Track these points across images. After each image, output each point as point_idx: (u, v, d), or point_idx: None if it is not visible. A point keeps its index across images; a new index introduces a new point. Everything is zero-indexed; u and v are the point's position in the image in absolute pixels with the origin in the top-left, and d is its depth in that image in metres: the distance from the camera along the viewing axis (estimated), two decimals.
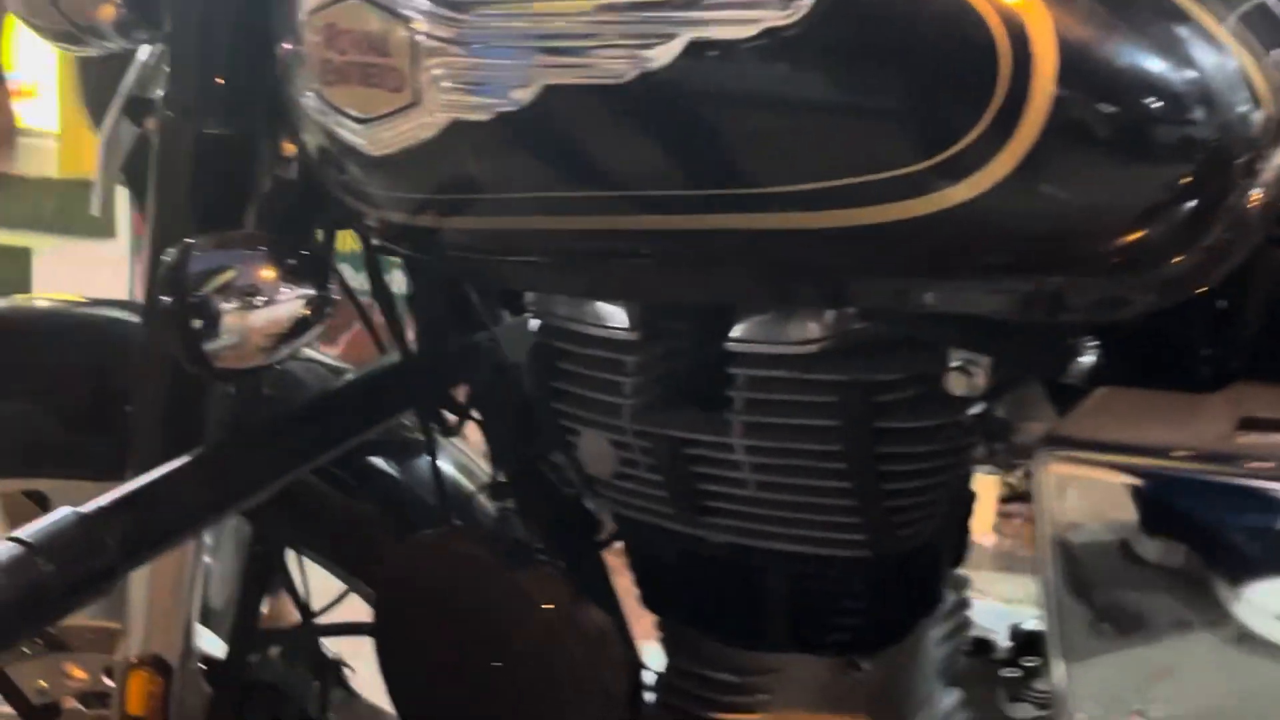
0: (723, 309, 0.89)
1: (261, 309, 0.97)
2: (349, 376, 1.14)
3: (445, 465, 1.33)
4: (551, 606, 0.91)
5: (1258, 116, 0.67)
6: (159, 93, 1.07)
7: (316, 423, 1.09)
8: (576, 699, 0.90)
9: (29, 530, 0.92)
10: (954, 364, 0.82)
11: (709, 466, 0.91)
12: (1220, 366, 0.74)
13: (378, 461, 1.33)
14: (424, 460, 1.35)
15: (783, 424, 0.87)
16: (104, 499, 0.95)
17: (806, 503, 0.88)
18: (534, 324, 1.01)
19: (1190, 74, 0.66)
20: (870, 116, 0.71)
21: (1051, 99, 0.66)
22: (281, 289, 0.97)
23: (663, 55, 0.72)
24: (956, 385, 0.82)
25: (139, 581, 1.25)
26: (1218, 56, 0.66)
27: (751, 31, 0.70)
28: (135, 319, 1.32)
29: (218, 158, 1.05)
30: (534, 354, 0.99)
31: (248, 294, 0.96)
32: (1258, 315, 0.74)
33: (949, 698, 1.02)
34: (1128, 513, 0.68)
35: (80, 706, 1.40)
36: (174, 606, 1.26)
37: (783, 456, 0.88)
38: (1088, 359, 0.77)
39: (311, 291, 0.98)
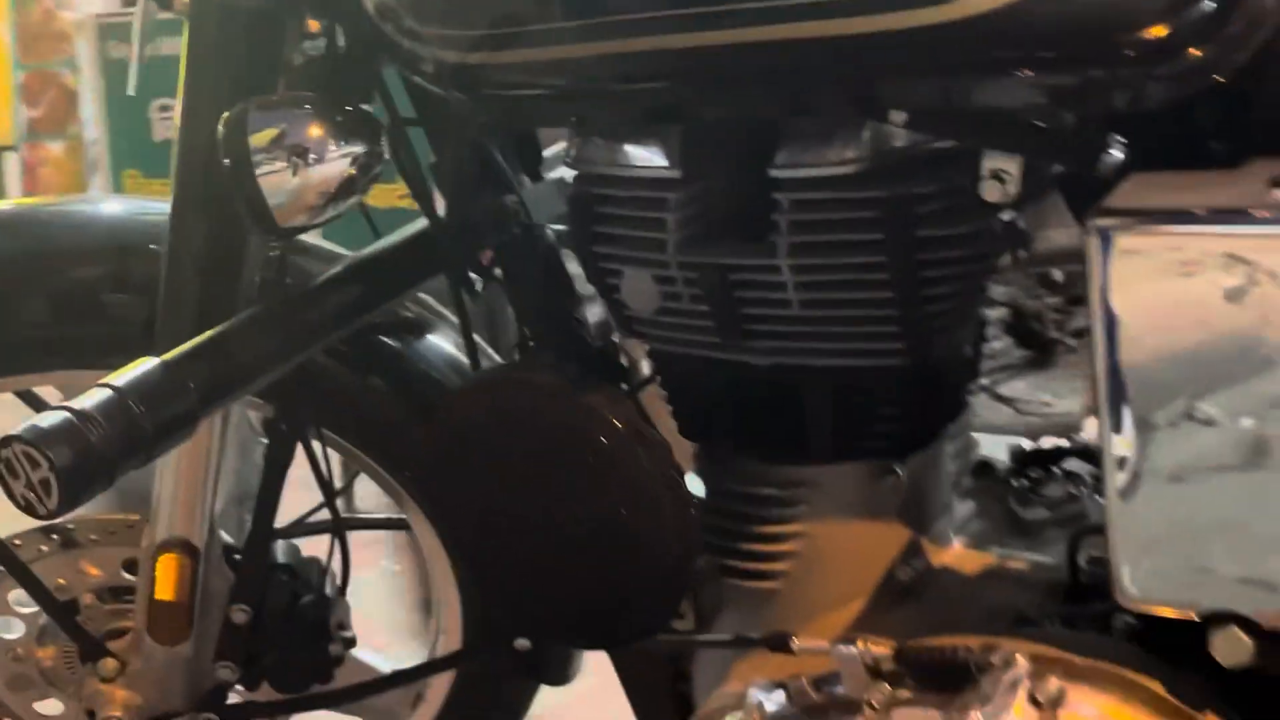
0: (761, 139, 0.96)
1: (316, 166, 1.02)
2: (381, 243, 1.18)
3: (446, 343, 1.39)
4: (623, 421, 0.97)
5: None
6: None
7: (359, 282, 1.15)
8: (651, 503, 0.97)
9: (117, 378, 0.97)
10: (987, 173, 0.89)
11: (754, 290, 0.98)
12: (1238, 144, 0.82)
13: (385, 340, 1.39)
14: (427, 339, 1.41)
15: (827, 242, 0.94)
16: (182, 349, 1.00)
17: (850, 315, 0.96)
18: (567, 176, 1.07)
19: None
20: None
21: None
22: (332, 147, 1.02)
23: None
24: (990, 192, 0.89)
25: (166, 468, 1.29)
26: None
27: None
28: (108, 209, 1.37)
29: (248, 32, 1.10)
30: (572, 203, 1.05)
31: (303, 152, 1.01)
32: (1272, 96, 0.83)
33: (965, 507, 1.10)
34: (1180, 278, 0.76)
35: (98, 601, 1.43)
36: (199, 492, 1.31)
37: (827, 273, 0.95)
38: (1115, 152, 0.85)
39: (360, 149, 1.03)
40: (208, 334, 1.04)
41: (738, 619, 1.07)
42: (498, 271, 1.18)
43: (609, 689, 1.28)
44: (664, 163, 0.99)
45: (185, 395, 0.99)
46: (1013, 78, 0.81)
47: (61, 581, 1.43)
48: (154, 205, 1.41)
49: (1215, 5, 0.77)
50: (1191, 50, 0.79)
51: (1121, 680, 0.88)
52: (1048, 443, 1.13)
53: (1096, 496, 1.09)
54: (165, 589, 1.36)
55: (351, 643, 1.47)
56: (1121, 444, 0.81)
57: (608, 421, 0.97)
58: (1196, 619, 0.83)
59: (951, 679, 0.91)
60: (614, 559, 1.00)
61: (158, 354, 1.04)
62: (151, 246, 1.31)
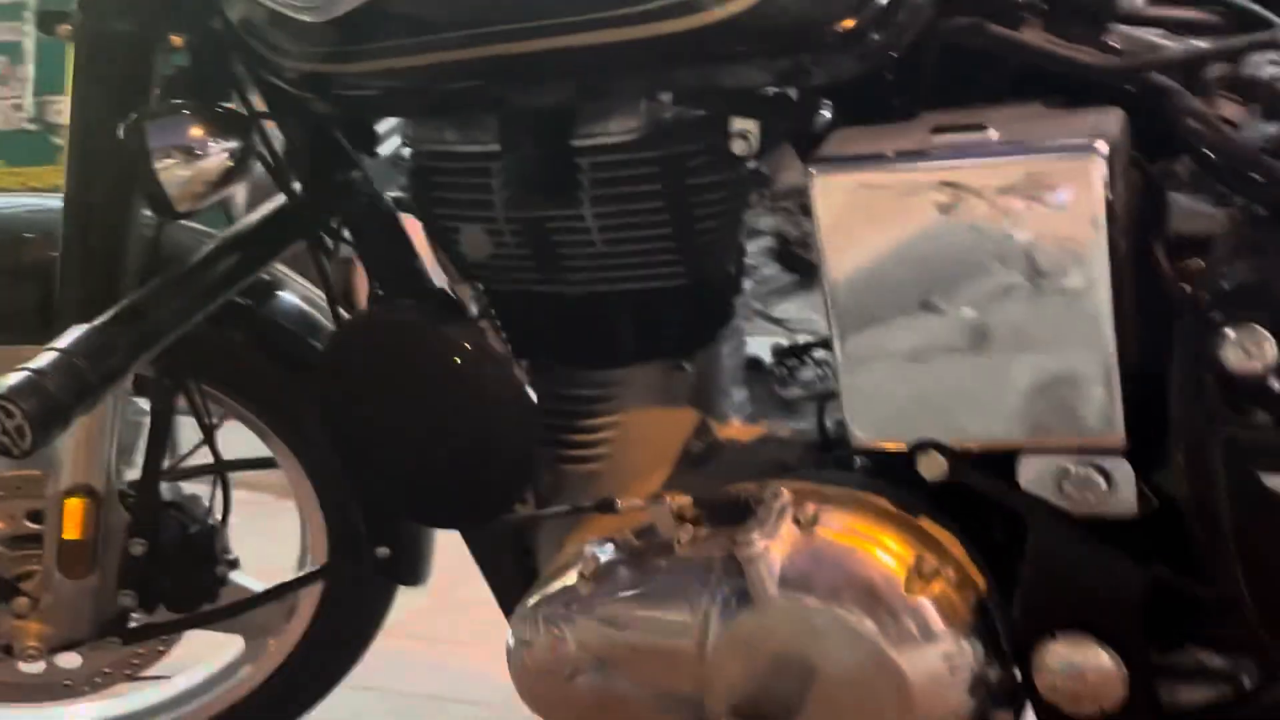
0: (562, 117, 1.24)
1: (201, 160, 1.27)
2: (247, 221, 1.43)
3: (298, 300, 1.64)
4: (471, 342, 1.25)
5: None
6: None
7: (238, 252, 1.40)
8: (499, 406, 1.25)
9: (60, 342, 1.21)
10: (734, 132, 1.19)
11: (566, 235, 1.26)
12: (912, 102, 1.14)
13: (245, 301, 1.62)
14: (280, 298, 1.65)
15: (619, 193, 1.23)
16: (108, 315, 1.24)
17: (640, 249, 1.25)
18: (405, 154, 1.33)
19: None
20: None
21: None
22: (212, 144, 1.27)
23: None
24: (738, 147, 1.19)
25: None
26: None
27: None
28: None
29: (124, 50, 1.34)
30: (413, 176, 1.31)
31: (189, 150, 1.26)
32: (931, 65, 1.14)
33: (740, 393, 1.41)
34: (872, 206, 1.07)
35: (6, 550, 1.64)
36: (99, 442, 1.53)
37: (621, 218, 1.24)
38: (825, 113, 1.16)
39: (235, 144, 1.28)
40: (125, 302, 1.28)
41: (571, 497, 1.36)
42: (347, 235, 1.44)
43: None
44: (485, 139, 1.26)
45: (116, 351, 1.23)
46: (748, 62, 1.11)
47: None
48: (27, 201, 1.62)
49: (886, 1, 1.08)
50: (872, 35, 1.10)
51: (860, 501, 1.19)
52: (801, 339, 1.44)
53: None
54: (72, 529, 1.57)
55: (235, 564, 1.71)
56: (843, 330, 1.12)
57: (459, 344, 1.25)
58: (906, 450, 1.14)
59: (737, 515, 1.21)
60: (473, 454, 1.27)
61: (60, 323, 1.28)
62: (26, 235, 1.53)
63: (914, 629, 1.14)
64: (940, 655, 1.14)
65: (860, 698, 1.16)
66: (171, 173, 1.25)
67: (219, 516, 1.66)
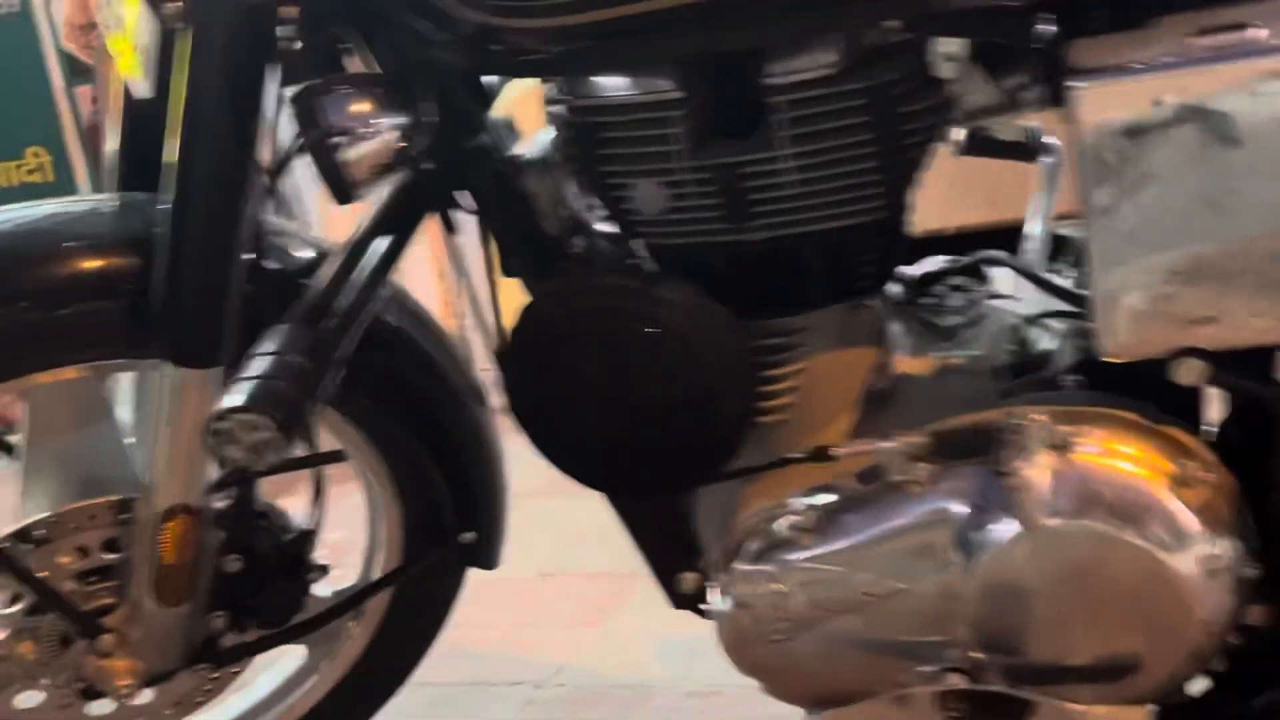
0: (752, 56, 1.19)
1: (377, 136, 1.17)
2: (377, 199, 1.34)
3: None
4: (689, 300, 1.19)
5: None
6: None
7: (378, 235, 1.30)
8: (721, 363, 1.20)
9: (263, 345, 1.11)
10: (939, 56, 1.16)
11: (756, 180, 1.21)
12: (1153, 8, 1.13)
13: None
14: None
15: (820, 130, 1.18)
16: (293, 313, 1.15)
17: (839, 186, 1.21)
18: (557, 111, 1.26)
19: None
20: None
21: None
22: (385, 119, 1.18)
23: None
24: (944, 71, 1.16)
25: (161, 442, 1.40)
26: None
27: None
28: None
29: (249, 24, 1.22)
30: (576, 132, 1.24)
31: (367, 126, 1.17)
32: None
33: (894, 326, 1.38)
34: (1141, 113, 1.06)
35: (80, 586, 1.51)
36: (195, 458, 1.42)
37: (822, 155, 1.19)
38: (1047, 27, 1.14)
39: (407, 119, 1.19)
40: (305, 298, 1.18)
41: (753, 451, 1.31)
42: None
43: None
44: (664, 87, 1.19)
45: (325, 344, 1.14)
46: None
47: (44, 575, 1.49)
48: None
49: None
50: None
51: (1106, 417, 1.19)
52: (932, 266, 1.42)
53: (989, 299, 1.39)
54: (171, 552, 1.46)
55: (325, 570, 1.61)
56: (1103, 245, 1.11)
57: (676, 303, 1.19)
58: (1164, 357, 1.14)
59: (976, 446, 1.19)
60: (697, 415, 1.22)
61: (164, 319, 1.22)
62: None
63: (1187, 535, 1.14)
64: (1211, 557, 1.15)
65: (1138, 612, 1.16)
66: (348, 152, 1.15)
67: (312, 519, 1.56)
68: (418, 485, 1.64)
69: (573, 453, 1.28)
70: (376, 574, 1.69)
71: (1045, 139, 1.42)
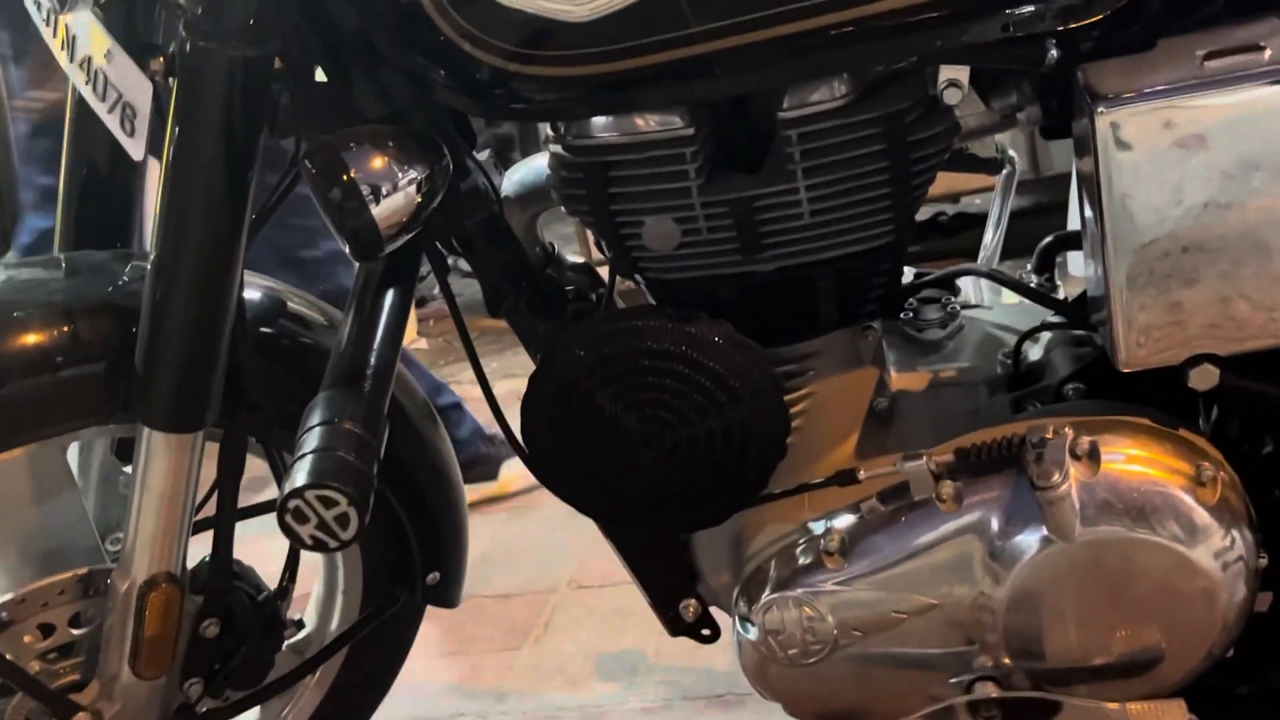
0: (763, 92, 1.19)
1: (403, 189, 1.15)
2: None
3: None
4: (723, 335, 1.19)
5: None
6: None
7: (385, 286, 1.27)
8: (756, 398, 1.21)
9: (314, 416, 1.08)
10: (944, 82, 1.19)
11: (770, 212, 1.22)
12: (1155, 32, 1.17)
13: (285, 328, 1.46)
14: (321, 329, 1.50)
15: (835, 160, 1.20)
16: (330, 376, 1.12)
17: (854, 214, 1.22)
18: (557, 151, 1.25)
19: None
20: None
21: None
22: (412, 172, 1.15)
23: None
24: (950, 97, 1.19)
25: (145, 510, 1.35)
26: None
27: None
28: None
29: (245, 78, 1.18)
30: (580, 172, 1.22)
31: (393, 178, 1.14)
32: None
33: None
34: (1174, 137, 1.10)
35: (45, 664, 1.44)
36: (178, 525, 1.37)
37: (837, 185, 1.20)
38: (1054, 51, 1.17)
39: (427, 169, 1.16)
40: (334, 358, 1.15)
41: None
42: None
43: None
44: (674, 124, 1.19)
45: (372, 408, 1.11)
46: (992, 16, 1.11)
47: (9, 656, 1.42)
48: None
49: None
50: None
51: (1124, 425, 1.23)
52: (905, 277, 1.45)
53: (967, 311, 1.43)
54: (154, 623, 1.40)
55: (300, 626, 1.57)
56: (1122, 260, 1.15)
57: (711, 340, 1.19)
58: (1178, 365, 1.19)
59: (1001, 461, 1.22)
60: (727, 450, 1.22)
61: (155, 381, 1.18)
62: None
63: (1209, 532, 1.20)
64: (1232, 552, 1.20)
65: (1168, 609, 1.21)
66: (373, 210, 1.11)
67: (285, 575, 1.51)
68: (381, 526, 1.60)
69: (603, 495, 1.27)
70: (335, 617, 1.64)
71: (1008, 151, 1.46)
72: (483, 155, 1.32)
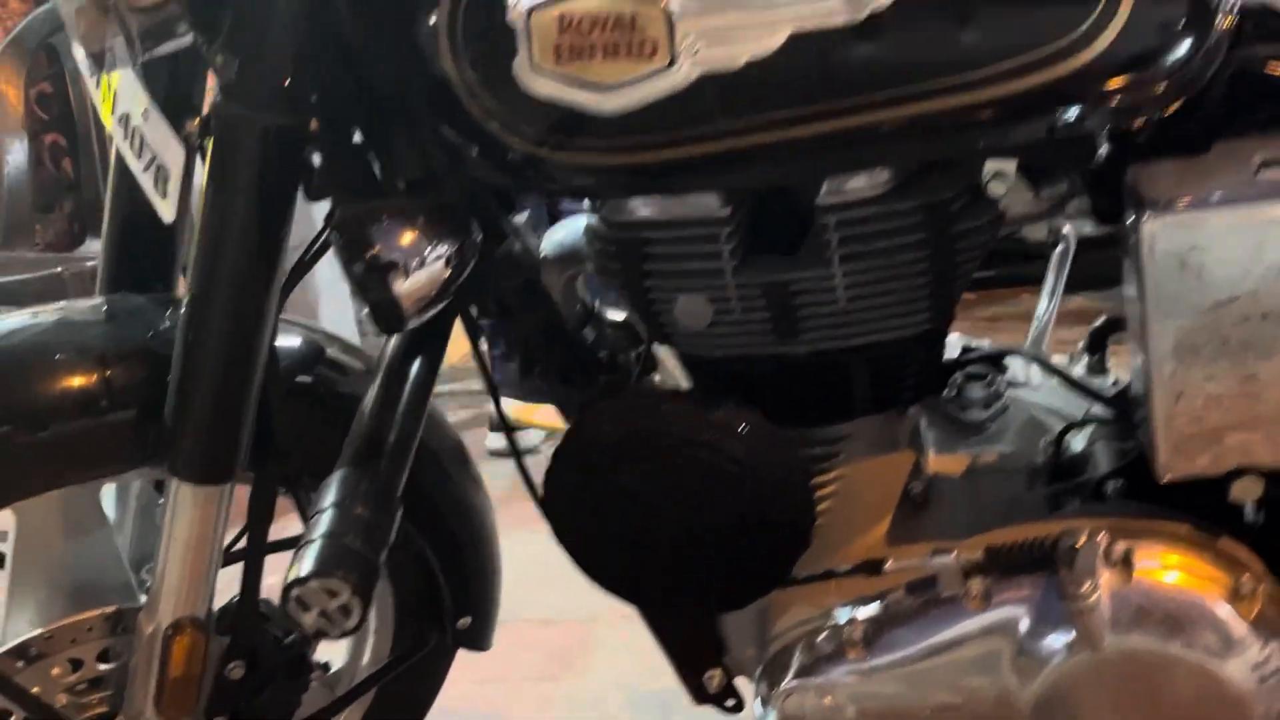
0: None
1: (424, 268, 1.13)
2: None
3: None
4: (750, 424, 1.17)
5: None
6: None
7: (414, 353, 1.26)
8: (782, 486, 1.19)
9: (326, 498, 1.08)
10: (990, 173, 1.15)
11: (805, 296, 1.19)
12: (1211, 134, 1.13)
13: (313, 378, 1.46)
14: (349, 378, 1.49)
15: (873, 249, 1.17)
16: (346, 454, 1.11)
17: (890, 301, 1.19)
18: (593, 224, 1.23)
19: None
20: None
21: None
22: (437, 248, 1.14)
23: None
24: (995, 189, 1.16)
25: (171, 554, 1.35)
26: None
27: None
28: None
29: (279, 144, 1.17)
30: (618, 248, 1.20)
31: (421, 252, 1.12)
32: (1218, 94, 1.13)
33: (921, 420, 1.37)
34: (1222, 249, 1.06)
35: (73, 698, 1.45)
36: (205, 570, 1.37)
37: (874, 272, 1.18)
38: (1105, 148, 1.13)
39: (457, 242, 1.15)
40: (353, 435, 1.14)
41: None
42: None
43: None
44: (710, 205, 1.17)
45: (384, 487, 1.10)
46: (1054, 114, 1.08)
47: (37, 690, 1.43)
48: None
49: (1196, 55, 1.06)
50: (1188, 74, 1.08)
51: (1161, 531, 1.20)
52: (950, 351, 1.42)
53: (1013, 390, 1.39)
54: (178, 666, 1.41)
55: (326, 669, 1.57)
56: (1165, 368, 1.11)
57: (737, 429, 1.17)
58: (1221, 475, 1.15)
59: (1033, 562, 1.19)
60: (750, 538, 1.20)
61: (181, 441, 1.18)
62: None
63: (1245, 646, 1.16)
64: (1269, 665, 1.17)
65: None
66: (399, 285, 1.10)
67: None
68: (412, 569, 1.59)
69: (622, 572, 1.25)
70: (366, 654, 1.64)
71: (1063, 229, 1.42)
72: (521, 217, 1.30)
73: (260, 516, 1.39)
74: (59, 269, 2.86)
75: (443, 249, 1.12)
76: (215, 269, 1.19)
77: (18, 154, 3.12)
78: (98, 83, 1.21)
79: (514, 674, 2.24)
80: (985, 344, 1.44)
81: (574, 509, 1.23)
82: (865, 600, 1.25)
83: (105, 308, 1.39)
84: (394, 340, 1.27)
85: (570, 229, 1.33)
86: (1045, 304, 1.46)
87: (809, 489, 1.21)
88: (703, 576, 1.23)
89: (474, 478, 1.59)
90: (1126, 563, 1.16)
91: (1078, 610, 1.14)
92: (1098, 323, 1.41)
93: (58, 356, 1.33)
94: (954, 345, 1.43)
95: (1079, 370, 1.40)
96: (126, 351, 1.33)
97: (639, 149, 1.08)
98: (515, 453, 1.33)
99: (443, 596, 1.59)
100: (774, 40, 1.00)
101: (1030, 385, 1.42)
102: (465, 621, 1.60)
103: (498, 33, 1.02)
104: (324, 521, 1.10)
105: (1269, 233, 1.07)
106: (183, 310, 1.23)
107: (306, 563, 1.10)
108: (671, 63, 1.00)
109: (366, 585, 1.10)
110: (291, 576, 1.11)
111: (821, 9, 0.99)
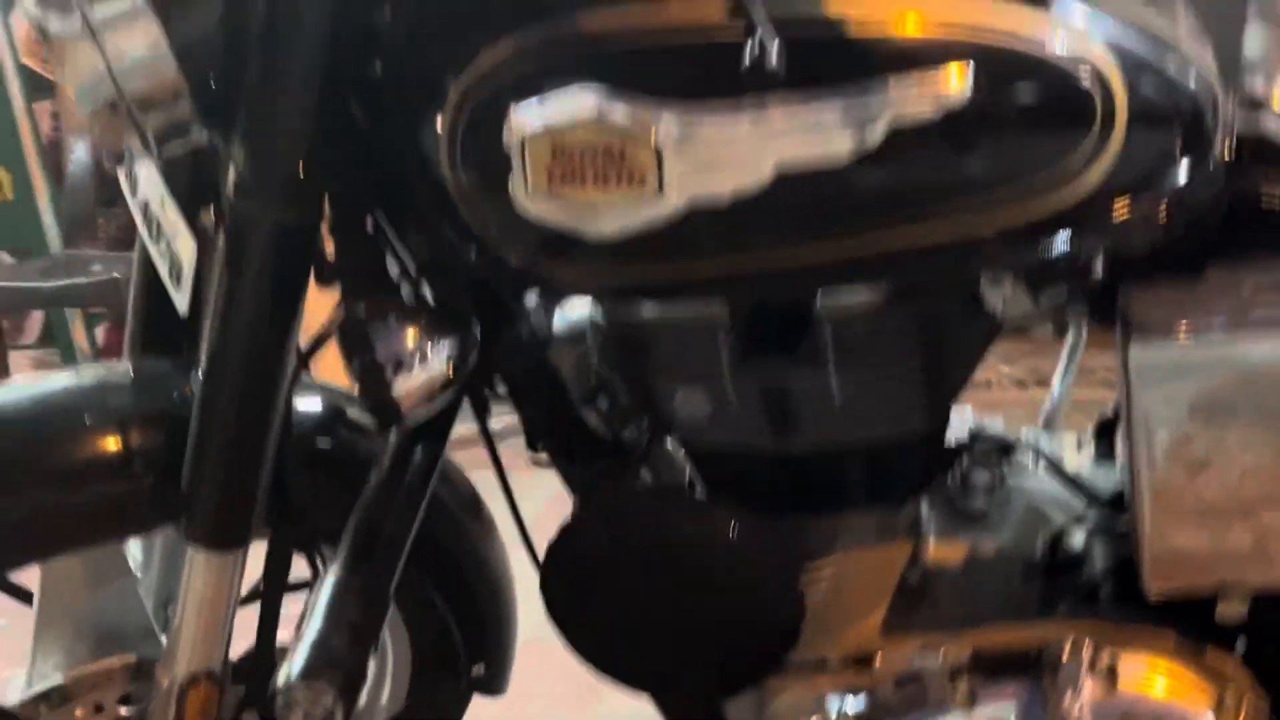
0: None
1: (423, 366, 1.16)
2: None
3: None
4: (744, 523, 1.20)
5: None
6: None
7: (419, 439, 1.29)
8: (775, 583, 1.21)
9: (323, 596, 1.11)
10: (988, 282, 1.16)
11: (802, 397, 1.21)
12: (1204, 257, 1.13)
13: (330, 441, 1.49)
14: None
15: (868, 354, 1.18)
16: (343, 561, 1.15)
17: (885, 404, 1.21)
18: (596, 318, 1.25)
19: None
20: None
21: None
22: (438, 349, 1.16)
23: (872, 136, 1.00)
24: (992, 301, 1.17)
25: (187, 609, 1.39)
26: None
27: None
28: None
29: (291, 238, 1.20)
30: (618, 344, 1.23)
31: (421, 353, 1.15)
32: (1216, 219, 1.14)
33: (920, 506, 1.38)
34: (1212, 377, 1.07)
35: None
36: (221, 625, 1.41)
37: (870, 375, 1.19)
38: (1099, 269, 1.14)
39: (458, 339, 1.18)
40: (350, 529, 1.17)
41: None
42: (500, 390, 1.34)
43: None
44: (709, 308, 1.19)
45: (375, 584, 1.13)
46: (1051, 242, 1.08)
47: None
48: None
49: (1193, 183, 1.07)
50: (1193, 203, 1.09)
51: (1147, 641, 1.21)
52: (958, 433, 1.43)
53: (1017, 480, 1.40)
54: (194, 717, 1.45)
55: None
56: (1154, 490, 1.12)
57: (727, 530, 1.19)
58: (1206, 595, 1.16)
59: (1021, 667, 1.20)
60: (740, 633, 1.23)
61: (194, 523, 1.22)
62: None
63: None
64: None
65: None
66: (398, 384, 1.13)
67: None
68: (427, 617, 1.63)
69: (614, 657, 1.28)
70: (384, 695, 1.68)
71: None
72: (531, 298, 1.33)
73: (275, 575, 1.43)
74: (115, 274, 2.92)
75: (444, 348, 1.15)
76: (227, 353, 1.22)
77: (80, 153, 3.19)
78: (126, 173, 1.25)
79: (543, 695, 2.26)
80: (997, 424, 1.44)
81: (568, 597, 1.25)
82: (856, 690, 1.27)
83: (133, 371, 1.43)
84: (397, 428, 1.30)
85: (582, 306, 1.35)
86: (1057, 388, 1.47)
87: (799, 589, 1.23)
88: (693, 666, 1.26)
89: (488, 526, 1.63)
90: (1111, 673, 1.17)
91: (1060, 717, 1.15)
92: (1105, 412, 1.42)
93: (87, 420, 1.37)
94: (963, 424, 1.43)
95: (1085, 457, 1.41)
96: (151, 416, 1.37)
97: (632, 268, 1.09)
98: (518, 519, 1.37)
99: (457, 645, 1.62)
100: (761, 175, 1.01)
101: (1034, 473, 1.42)
102: (480, 669, 1.64)
103: (495, 150, 1.04)
104: (314, 621, 1.13)
105: (1253, 369, 1.07)
106: (199, 387, 1.27)
107: (295, 665, 1.13)
108: (661, 191, 1.01)
109: (352, 687, 1.13)
110: (280, 680, 1.15)
111: (809, 147, 1.00)
